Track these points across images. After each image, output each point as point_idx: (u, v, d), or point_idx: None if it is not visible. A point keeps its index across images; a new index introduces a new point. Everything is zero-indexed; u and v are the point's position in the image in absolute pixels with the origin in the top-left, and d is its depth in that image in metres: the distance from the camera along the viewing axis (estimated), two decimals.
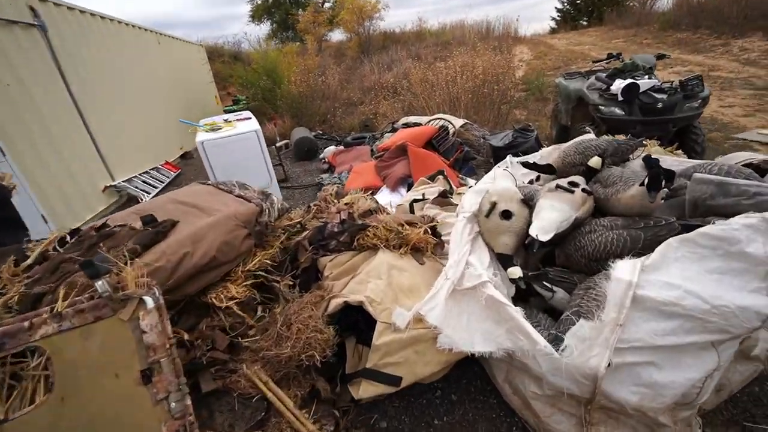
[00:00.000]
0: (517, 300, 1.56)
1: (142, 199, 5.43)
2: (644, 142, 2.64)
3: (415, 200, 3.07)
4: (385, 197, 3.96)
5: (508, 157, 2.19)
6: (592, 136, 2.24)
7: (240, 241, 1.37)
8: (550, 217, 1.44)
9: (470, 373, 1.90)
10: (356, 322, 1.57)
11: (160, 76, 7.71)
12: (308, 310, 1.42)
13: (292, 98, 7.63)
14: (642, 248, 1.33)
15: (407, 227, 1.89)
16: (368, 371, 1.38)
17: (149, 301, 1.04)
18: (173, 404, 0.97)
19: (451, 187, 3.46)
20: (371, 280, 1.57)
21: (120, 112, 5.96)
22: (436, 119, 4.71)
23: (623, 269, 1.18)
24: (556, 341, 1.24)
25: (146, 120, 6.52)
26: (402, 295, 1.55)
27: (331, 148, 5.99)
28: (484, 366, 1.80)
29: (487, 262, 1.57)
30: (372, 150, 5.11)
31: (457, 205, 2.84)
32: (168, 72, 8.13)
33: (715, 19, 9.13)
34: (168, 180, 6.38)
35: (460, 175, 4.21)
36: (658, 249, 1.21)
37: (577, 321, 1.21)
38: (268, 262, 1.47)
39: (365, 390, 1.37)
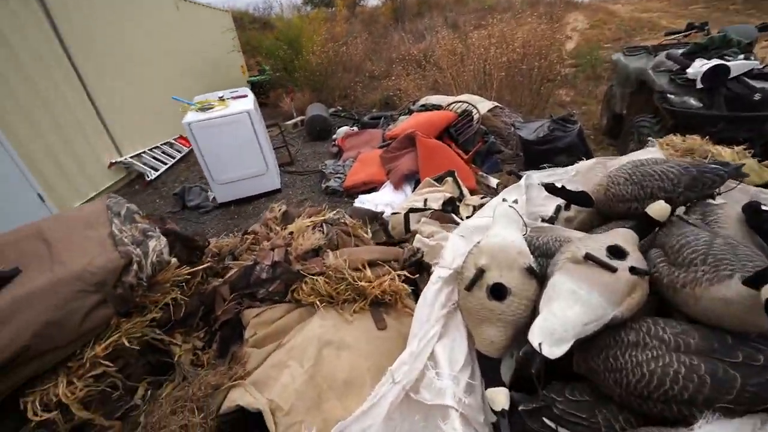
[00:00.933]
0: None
1: (147, 177, 5.26)
2: (730, 149, 1.86)
3: (413, 209, 2.52)
4: (387, 196, 3.41)
5: (524, 178, 1.56)
6: (655, 152, 1.54)
7: (81, 317, 0.93)
8: (568, 314, 0.86)
9: None
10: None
11: (178, 43, 7.39)
12: (182, 414, 0.97)
13: (311, 70, 7.04)
14: (735, 402, 0.73)
15: (367, 273, 1.37)
16: None
17: None
18: None
19: (461, 192, 2.84)
20: (291, 364, 1.09)
21: (130, 83, 5.72)
22: (458, 102, 3.98)
23: None
24: None
25: (161, 91, 6.24)
26: (329, 394, 1.06)
27: (344, 129, 5.43)
28: None
29: (461, 361, 1.03)
30: (383, 137, 4.50)
31: (460, 222, 2.26)
32: (188, 40, 7.79)
33: None
34: (179, 155, 6.17)
35: (481, 172, 3.53)
36: None
37: None
38: (130, 338, 1.02)
39: None
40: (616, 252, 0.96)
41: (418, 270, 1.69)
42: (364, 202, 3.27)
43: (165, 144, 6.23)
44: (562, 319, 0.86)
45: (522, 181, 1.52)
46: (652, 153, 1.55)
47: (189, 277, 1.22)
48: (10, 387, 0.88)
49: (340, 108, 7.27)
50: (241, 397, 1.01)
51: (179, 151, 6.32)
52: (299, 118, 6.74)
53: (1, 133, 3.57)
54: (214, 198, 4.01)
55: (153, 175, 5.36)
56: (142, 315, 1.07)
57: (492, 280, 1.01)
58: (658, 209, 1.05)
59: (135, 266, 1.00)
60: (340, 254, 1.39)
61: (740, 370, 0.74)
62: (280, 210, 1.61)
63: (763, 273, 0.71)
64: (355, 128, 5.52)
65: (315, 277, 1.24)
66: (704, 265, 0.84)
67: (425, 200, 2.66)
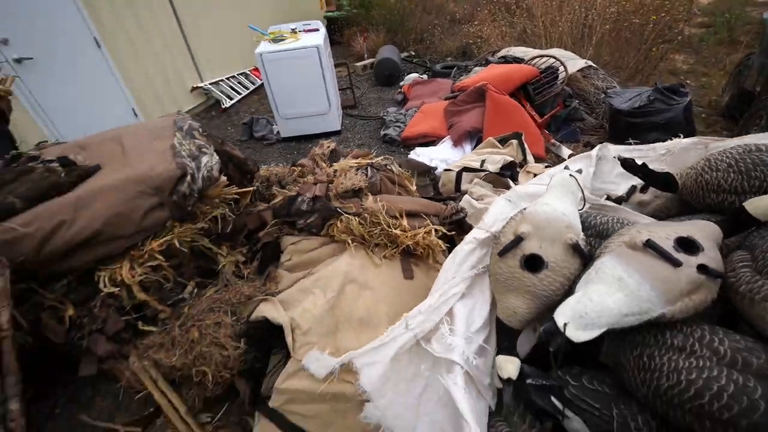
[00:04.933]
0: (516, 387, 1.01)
1: (223, 104, 5.61)
2: None
3: (467, 169, 2.39)
4: (444, 152, 3.25)
5: (598, 148, 1.35)
6: None
7: (142, 214, 1.05)
8: (606, 301, 0.77)
9: None
10: None
11: None
12: (219, 314, 1.10)
13: (389, 8, 6.63)
14: None
15: (403, 222, 1.35)
16: (270, 409, 1.06)
17: None
18: None
19: (525, 157, 2.60)
20: (315, 292, 1.16)
21: (215, 10, 5.90)
22: (544, 57, 3.52)
23: None
24: None
25: (241, 20, 6.37)
26: (346, 326, 1.11)
27: (413, 76, 5.16)
28: None
29: (479, 323, 1.01)
30: (452, 88, 4.19)
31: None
32: None
33: None
34: (253, 87, 6.42)
35: (554, 140, 3.19)
36: None
37: None
38: (181, 241, 1.15)
39: (263, 429, 1.07)
40: (687, 245, 0.82)
41: (458, 230, 1.64)
42: (419, 155, 3.17)
43: (241, 74, 6.49)
44: (598, 304, 0.78)
45: (594, 151, 1.33)
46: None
47: (237, 197, 1.32)
48: (87, 262, 1.06)
49: (413, 53, 6.87)
50: (268, 310, 1.11)
51: (253, 83, 6.57)
52: (369, 60, 6.52)
53: (108, 54, 3.97)
54: (278, 132, 4.17)
55: (228, 103, 5.69)
56: (193, 223, 1.19)
57: (529, 251, 0.94)
58: (761, 205, 0.86)
59: (189, 178, 1.10)
60: (380, 199, 1.38)
61: None
62: (328, 147, 1.62)
63: None
64: (425, 76, 5.22)
65: (351, 217, 1.25)
66: None
67: (483, 161, 2.50)
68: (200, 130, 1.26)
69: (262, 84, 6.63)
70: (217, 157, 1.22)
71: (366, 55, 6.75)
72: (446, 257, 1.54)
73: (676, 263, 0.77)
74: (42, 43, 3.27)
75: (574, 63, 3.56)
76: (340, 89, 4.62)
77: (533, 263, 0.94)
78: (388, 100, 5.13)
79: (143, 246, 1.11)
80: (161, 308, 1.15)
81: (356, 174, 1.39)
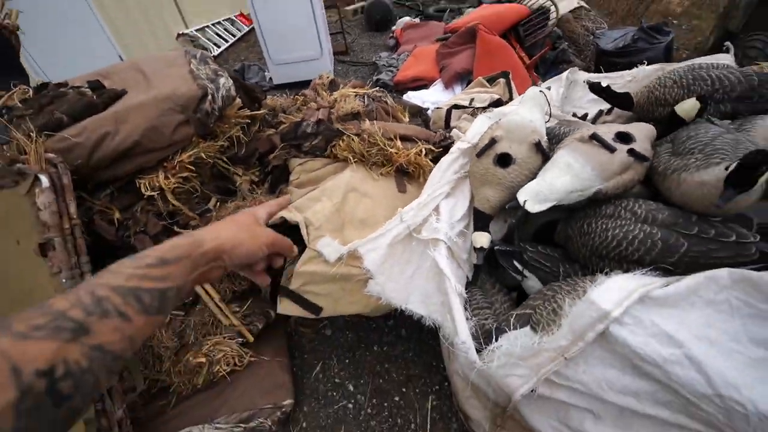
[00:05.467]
0: (487, 266, 1.26)
1: (211, 53, 5.47)
2: None
3: (456, 106, 2.53)
4: (435, 95, 3.35)
5: (568, 71, 1.51)
6: (727, 60, 1.40)
7: (172, 128, 1.21)
8: (556, 182, 0.99)
9: None
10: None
11: None
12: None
13: None
14: (675, 264, 0.87)
15: (397, 143, 1.54)
16: (290, 291, 1.30)
17: (44, 181, 1.00)
18: (64, 280, 1.01)
19: (511, 96, 2.73)
20: (322, 199, 1.37)
21: None
22: None
23: (607, 292, 0.79)
24: (488, 335, 0.98)
25: None
26: (350, 225, 1.34)
27: (404, 20, 5.06)
28: None
29: (460, 214, 1.23)
30: (444, 30, 4.16)
31: None
32: None
33: None
34: (240, 34, 6.22)
35: (540, 81, 3.29)
36: (691, 279, 0.76)
37: (518, 327, 0.92)
38: (203, 155, 1.32)
39: (286, 308, 1.33)
40: (624, 137, 1.03)
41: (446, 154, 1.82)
42: (411, 98, 3.26)
43: (227, 20, 6.25)
44: (550, 184, 0.99)
45: (565, 74, 1.50)
46: (724, 59, 1.41)
47: (249, 121, 1.47)
48: (127, 172, 1.23)
49: None
50: (285, 213, 1.32)
51: (239, 30, 6.34)
52: (360, 4, 6.29)
53: (95, 6, 3.82)
54: (270, 78, 4.17)
55: (216, 51, 5.55)
56: (214, 140, 1.36)
57: (501, 150, 1.14)
58: (686, 107, 1.05)
59: (210, 97, 1.25)
60: (376, 123, 1.55)
61: (690, 239, 0.86)
62: (328, 77, 1.75)
63: (735, 169, 0.76)
64: (417, 20, 5.12)
65: (352, 136, 1.43)
66: (699, 154, 0.90)
67: (471, 99, 2.62)
68: (211, 57, 1.38)
69: (250, 30, 6.44)
70: (231, 80, 1.36)
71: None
72: None
73: (612, 149, 0.98)
74: None
75: (566, 3, 3.56)
76: (331, 34, 4.55)
77: (504, 160, 1.14)
78: (380, 46, 5.06)
79: (173, 159, 1.28)
80: (192, 215, 1.35)
81: (355, 100, 1.54)
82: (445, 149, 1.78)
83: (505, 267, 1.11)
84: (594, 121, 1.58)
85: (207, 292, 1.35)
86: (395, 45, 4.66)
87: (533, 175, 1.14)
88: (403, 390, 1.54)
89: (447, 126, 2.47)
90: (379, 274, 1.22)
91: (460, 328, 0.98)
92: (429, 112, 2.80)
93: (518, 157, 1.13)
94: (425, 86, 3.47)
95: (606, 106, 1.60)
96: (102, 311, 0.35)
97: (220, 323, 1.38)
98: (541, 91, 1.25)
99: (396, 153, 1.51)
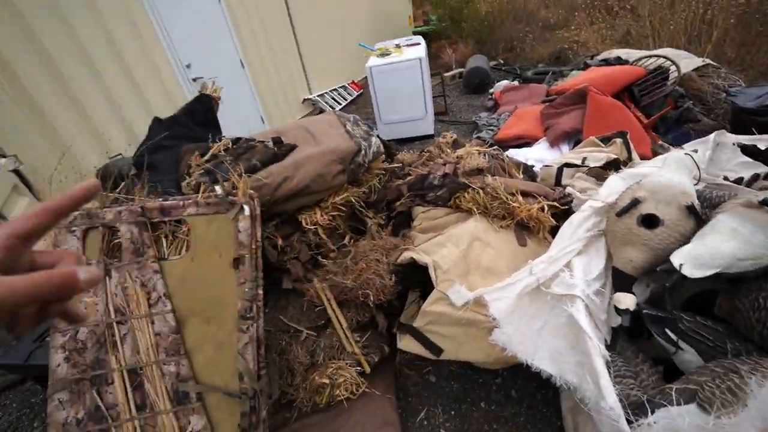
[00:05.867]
0: (627, 332, 1.19)
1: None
2: None
3: (568, 164, 2.52)
4: (539, 152, 3.37)
5: (715, 134, 1.43)
6: None
7: (332, 176, 1.48)
8: (722, 247, 0.93)
9: (545, 380, 1.66)
10: (427, 278, 1.56)
11: None
12: (378, 253, 1.48)
13: (479, 19, 6.87)
14: None
15: (519, 198, 1.60)
16: (413, 329, 1.39)
17: (246, 209, 1.30)
18: (247, 290, 1.26)
19: (630, 155, 2.61)
20: (448, 246, 1.47)
21: (323, 27, 6.77)
22: (652, 57, 3.42)
23: None
24: (639, 408, 0.91)
25: (343, 37, 7.21)
26: (475, 272, 1.40)
27: (503, 83, 5.31)
28: None
29: (596, 272, 1.21)
30: (548, 92, 4.26)
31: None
32: None
33: None
34: (350, 98, 7.19)
35: (662, 141, 3.08)
36: None
37: (682, 403, 0.84)
38: (353, 199, 1.56)
39: (407, 344, 1.41)
40: None
41: (564, 216, 1.82)
42: (513, 155, 3.34)
43: (341, 87, 7.33)
44: (711, 249, 0.94)
45: (711, 136, 1.43)
46: None
47: (384, 172, 1.71)
48: (294, 207, 1.53)
49: (502, 61, 6.99)
50: (414, 254, 1.45)
51: (350, 94, 7.35)
52: (458, 71, 6.82)
53: (248, 73, 4.93)
54: (377, 135, 4.67)
55: (330, 111, 6.49)
56: (358, 187, 1.61)
57: (646, 211, 1.12)
58: None
59: (363, 152, 1.51)
60: (498, 179, 1.65)
61: None
62: (451, 137, 1.95)
63: None
64: (516, 83, 5.33)
65: (478, 189, 1.55)
66: None
67: (584, 158, 2.58)
68: (361, 120, 1.69)
69: (359, 95, 7.39)
70: (378, 139, 1.63)
71: (454, 66, 7.08)
72: (554, 234, 1.75)
73: None
74: (206, 65, 4.23)
75: (688, 62, 3.40)
76: (432, 97, 5.00)
77: (649, 221, 1.12)
78: (477, 107, 5.35)
79: (327, 200, 1.55)
80: (332, 248, 1.57)
81: (479, 157, 1.69)
82: (565, 211, 1.79)
83: (655, 335, 1.04)
84: (749, 185, 1.45)
85: (338, 319, 1.51)
86: (494, 106, 4.88)
87: (684, 239, 1.09)
88: None
89: (557, 183, 2.45)
90: (506, 323, 1.24)
91: (606, 393, 0.93)
92: (535, 169, 2.82)
93: (666, 218, 1.10)
94: (527, 144, 3.52)
95: (762, 169, 1.46)
96: None
97: (344, 349, 1.51)
98: (687, 153, 1.22)
99: (518, 207, 1.57)
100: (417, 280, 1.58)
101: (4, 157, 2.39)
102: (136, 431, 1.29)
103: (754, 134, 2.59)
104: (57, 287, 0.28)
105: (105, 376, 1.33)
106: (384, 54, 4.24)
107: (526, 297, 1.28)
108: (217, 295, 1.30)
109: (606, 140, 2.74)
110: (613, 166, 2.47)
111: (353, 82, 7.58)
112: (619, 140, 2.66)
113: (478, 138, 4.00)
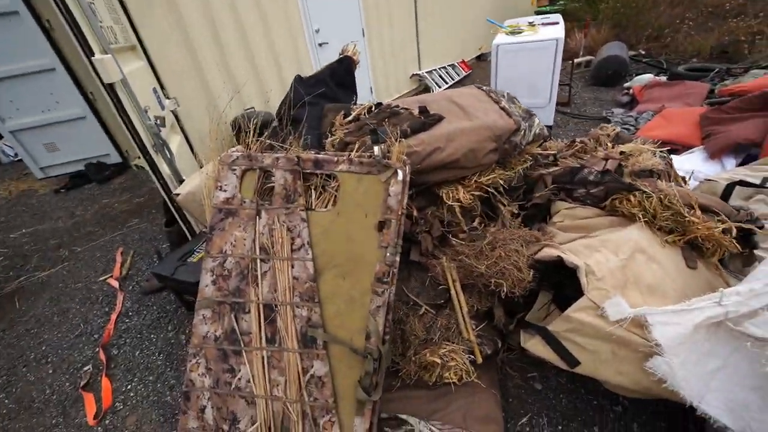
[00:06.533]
0: None
1: (433, 90, 6.25)
2: None
3: (742, 182, 2.07)
4: (692, 163, 2.83)
5: None
6: None
7: (484, 153, 1.39)
8: None
9: (676, 421, 1.43)
10: (562, 282, 1.42)
11: None
12: (517, 244, 1.37)
13: (624, 1, 5.94)
14: None
15: (697, 212, 1.35)
16: (548, 332, 1.28)
17: (400, 174, 1.29)
18: (388, 254, 1.28)
19: None
20: (603, 251, 1.31)
21: (442, 7, 6.52)
22: None
23: None
24: None
25: (462, 14, 6.88)
26: (633, 287, 1.22)
27: (646, 77, 4.56)
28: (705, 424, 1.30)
29: None
30: (712, 91, 3.53)
31: None
32: None
33: None
34: (458, 78, 6.90)
35: None
36: None
37: None
38: (501, 181, 1.46)
39: (534, 346, 1.31)
40: None
41: (744, 241, 1.49)
42: None
43: (450, 65, 7.06)
44: None
45: None
46: None
47: (533, 158, 1.57)
48: (436, 181, 1.49)
49: (642, 52, 6.01)
50: (560, 253, 1.32)
51: (458, 74, 7.04)
52: (586, 58, 6.05)
53: (367, 43, 4.97)
54: None
55: (437, 89, 6.32)
56: (504, 170, 1.51)
57: None
58: None
59: (522, 132, 1.39)
60: (673, 186, 1.40)
61: None
62: (613, 130, 1.70)
63: None
64: (662, 78, 4.54)
65: (650, 194, 1.33)
66: None
67: (765, 179, 2.10)
68: (516, 99, 1.56)
69: (467, 75, 7.06)
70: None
71: (582, 52, 6.28)
72: (727, 261, 1.46)
73: None
74: (332, 31, 4.35)
75: None
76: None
77: None
78: (607, 101, 4.71)
79: (471, 178, 1.48)
80: (464, 229, 1.52)
81: (653, 157, 1.44)
82: (744, 237, 1.46)
83: None
84: None
85: (459, 302, 1.47)
86: (630, 102, 4.24)
87: None
88: None
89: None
90: (673, 354, 1.06)
91: None
92: (690, 181, 2.38)
93: None
94: (674, 152, 2.99)
95: None
96: None
97: (458, 334, 1.47)
98: None
99: (695, 223, 1.32)
100: (551, 281, 1.45)
101: (168, 98, 2.76)
102: (263, 360, 1.42)
103: None
104: None
105: (243, 305, 1.48)
106: (514, 32, 3.91)
107: (703, 329, 1.07)
108: (357, 252, 1.33)
109: None
110: None
111: (462, 62, 7.25)
112: None
113: None
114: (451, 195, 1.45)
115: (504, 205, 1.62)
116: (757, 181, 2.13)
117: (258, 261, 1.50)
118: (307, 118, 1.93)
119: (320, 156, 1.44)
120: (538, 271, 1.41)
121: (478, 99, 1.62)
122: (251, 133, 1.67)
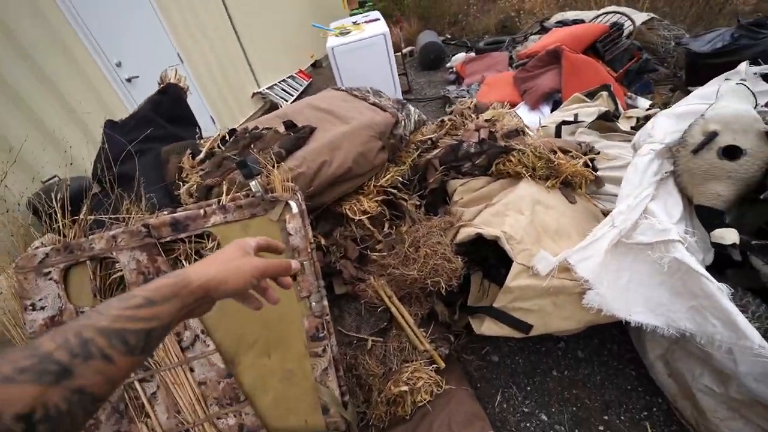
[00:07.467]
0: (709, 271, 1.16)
1: (281, 106, 5.96)
2: None
3: (565, 122, 2.52)
4: (522, 116, 3.38)
5: (743, 65, 1.46)
6: None
7: (374, 154, 1.28)
8: None
9: (606, 334, 1.65)
10: (486, 256, 1.43)
11: None
12: (437, 235, 1.32)
13: None
14: None
15: (560, 156, 1.53)
16: (494, 310, 1.26)
17: (294, 206, 1.06)
18: (313, 303, 1.04)
19: (617, 107, 2.70)
20: (510, 214, 1.36)
21: (261, 17, 6.24)
22: (608, 14, 3.57)
23: None
24: None
25: (282, 25, 6.72)
26: (546, 236, 1.30)
27: (461, 56, 5.29)
28: (630, 332, 1.52)
29: (677, 215, 1.17)
30: (511, 57, 4.30)
31: (624, 132, 2.22)
32: None
33: None
34: (301, 88, 6.75)
35: (629, 93, 3.25)
36: None
37: None
38: (399, 178, 1.38)
39: (489, 328, 1.28)
40: None
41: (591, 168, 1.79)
42: None
43: (289, 77, 6.85)
44: None
45: (741, 66, 1.45)
46: None
47: (421, 144, 1.54)
48: (334, 197, 1.30)
49: (449, 36, 7.00)
50: (477, 229, 1.32)
51: (300, 84, 6.91)
52: (409, 48, 6.70)
53: (190, 69, 4.35)
54: None
55: (285, 104, 6.05)
56: (397, 165, 1.42)
57: (725, 143, 1.09)
58: None
59: (402, 123, 1.32)
60: (534, 137, 1.56)
61: None
62: (472, 102, 1.82)
63: None
64: (472, 54, 5.34)
65: (526, 150, 1.44)
66: None
67: (575, 115, 2.62)
68: (382, 92, 1.49)
69: (309, 84, 6.97)
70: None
71: (403, 45, 6.93)
72: (592, 187, 1.71)
73: None
74: (139, 62, 3.64)
75: (638, 16, 3.59)
76: None
77: (731, 153, 1.09)
78: (439, 82, 5.29)
79: (368, 185, 1.34)
80: (379, 239, 1.38)
81: (513, 117, 1.58)
82: (590, 162, 1.75)
83: (760, 263, 1.01)
84: None
85: (403, 318, 1.34)
86: (457, 78, 4.85)
87: (767, 165, 1.08)
88: (605, 417, 1.40)
89: None
90: (599, 283, 1.16)
91: (749, 333, 0.89)
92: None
93: (747, 147, 1.07)
94: None
95: None
96: (86, 353, 0.35)
97: (414, 349, 1.35)
98: (738, 83, 1.21)
99: (563, 165, 1.50)
100: (476, 258, 1.45)
101: None
102: None
103: (711, 77, 2.81)
104: (284, 268, 0.55)
105: None
106: (343, 33, 3.97)
107: (609, 253, 1.20)
108: (273, 317, 1.06)
109: (591, 95, 2.81)
110: (605, 117, 2.53)
111: (301, 71, 7.14)
112: (605, 93, 2.73)
113: (452, 112, 3.94)
114: (355, 209, 1.30)
115: (406, 201, 1.55)
116: (572, 119, 2.64)
117: (136, 384, 1.07)
118: (141, 171, 1.48)
119: (179, 214, 1.08)
120: (462, 254, 1.38)
121: (344, 100, 1.50)
122: (60, 212, 1.17)
